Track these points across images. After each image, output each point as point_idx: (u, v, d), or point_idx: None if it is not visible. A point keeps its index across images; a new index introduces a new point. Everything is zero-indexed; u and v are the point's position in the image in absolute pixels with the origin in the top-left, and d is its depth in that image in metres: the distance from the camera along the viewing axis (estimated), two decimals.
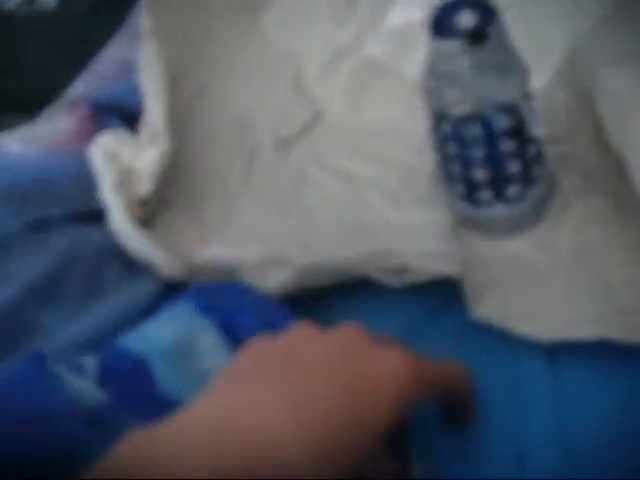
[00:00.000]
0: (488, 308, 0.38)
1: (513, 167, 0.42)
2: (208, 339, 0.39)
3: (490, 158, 0.41)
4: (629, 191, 0.40)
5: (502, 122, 0.40)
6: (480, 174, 0.42)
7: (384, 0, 0.57)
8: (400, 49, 0.55)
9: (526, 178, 0.42)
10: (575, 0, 0.51)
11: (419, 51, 0.52)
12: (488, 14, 0.39)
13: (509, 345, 0.38)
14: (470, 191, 0.43)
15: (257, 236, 0.46)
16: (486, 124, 0.40)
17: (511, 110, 0.40)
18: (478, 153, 0.41)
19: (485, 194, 0.42)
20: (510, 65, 0.40)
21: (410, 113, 0.51)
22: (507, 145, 0.41)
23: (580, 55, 0.46)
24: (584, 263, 0.40)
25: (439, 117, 0.41)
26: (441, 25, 0.39)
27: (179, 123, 0.52)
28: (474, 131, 0.40)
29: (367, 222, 0.46)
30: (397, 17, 0.56)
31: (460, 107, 0.39)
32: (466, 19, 0.38)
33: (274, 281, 0.42)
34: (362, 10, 0.58)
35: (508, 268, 0.41)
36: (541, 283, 0.40)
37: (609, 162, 0.42)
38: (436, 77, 0.40)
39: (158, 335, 0.38)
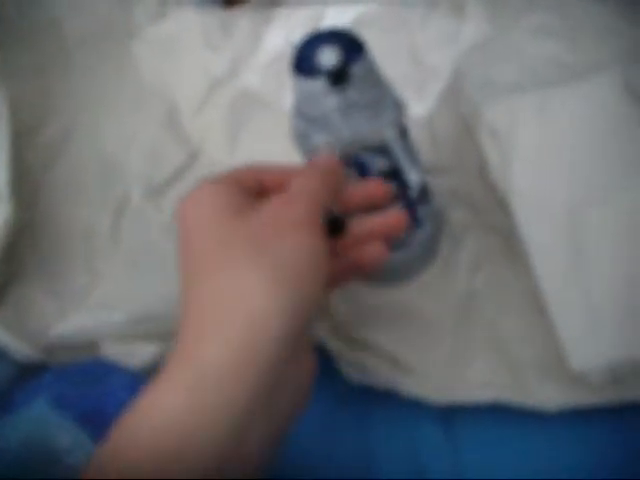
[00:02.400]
0: (371, 368, 0.35)
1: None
2: (65, 438, 0.34)
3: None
4: (514, 228, 0.38)
5: (377, 164, 0.37)
6: None
7: (261, 26, 0.53)
8: (277, 80, 0.52)
9: (410, 221, 0.39)
10: (457, 24, 0.49)
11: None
12: (353, 50, 0.35)
13: (401, 406, 0.35)
14: None
15: (125, 300, 0.42)
16: (361, 167, 0.37)
17: (385, 151, 0.37)
18: None
19: None
20: (381, 102, 0.37)
21: (288, 149, 0.48)
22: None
23: (460, 80, 0.44)
24: (474, 311, 0.37)
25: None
26: (303, 63, 0.36)
27: (37, 174, 0.47)
28: (348, 176, 0.37)
29: None
30: (273, 45, 0.53)
31: (330, 151, 0.36)
32: (328, 57, 0.35)
33: (142, 355, 0.37)
34: (238, 36, 0.54)
35: (394, 318, 0.38)
36: (430, 336, 0.37)
37: (496, 197, 0.40)
38: (303, 119, 0.37)
39: (4, 444, 0.34)
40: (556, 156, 0.34)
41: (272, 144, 0.51)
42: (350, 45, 0.35)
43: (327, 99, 0.35)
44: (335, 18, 0.52)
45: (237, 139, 0.52)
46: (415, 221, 0.40)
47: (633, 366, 0.30)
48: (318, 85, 0.34)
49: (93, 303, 0.42)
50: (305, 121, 0.37)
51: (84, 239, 0.45)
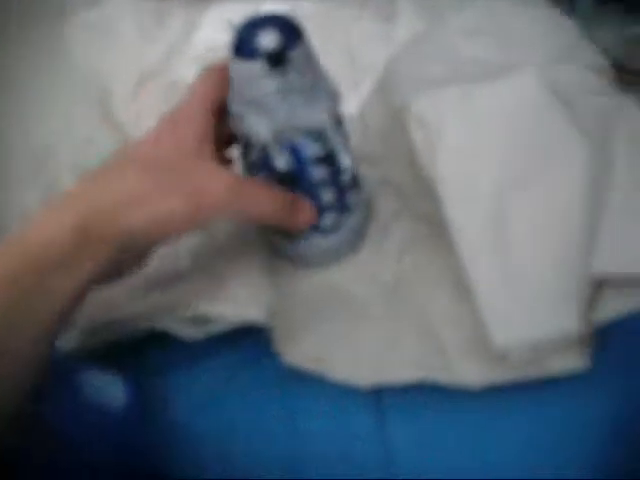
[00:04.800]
0: (302, 353, 0.35)
1: (326, 196, 0.39)
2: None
3: (301, 187, 0.39)
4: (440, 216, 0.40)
5: (311, 149, 0.38)
6: None
7: (195, 18, 0.53)
8: None
9: (341, 206, 0.40)
10: (389, 23, 0.50)
11: None
12: (292, 35, 0.36)
13: (333, 391, 0.36)
14: None
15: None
16: (295, 151, 0.38)
17: (320, 137, 0.38)
18: (288, 182, 0.38)
19: None
20: (318, 89, 0.38)
21: None
22: (318, 173, 0.38)
23: (390, 76, 0.45)
24: (402, 296, 0.38)
25: (246, 144, 0.38)
26: (243, 46, 0.36)
27: None
28: (282, 159, 0.38)
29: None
30: (206, 38, 0.53)
31: (265, 134, 0.37)
32: (268, 40, 0.35)
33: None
34: (172, 26, 0.54)
35: (325, 303, 0.39)
36: (359, 319, 0.38)
37: (424, 185, 0.42)
38: (240, 102, 0.37)
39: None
40: (479, 145, 0.36)
41: None
42: (289, 30, 0.36)
43: (265, 81, 0.35)
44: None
45: None
46: (345, 206, 0.41)
47: (551, 343, 0.32)
48: (256, 67, 0.35)
49: None
50: (242, 104, 0.37)
51: (13, 226, 0.44)
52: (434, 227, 0.41)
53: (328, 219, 0.40)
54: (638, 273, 0.30)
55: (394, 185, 0.44)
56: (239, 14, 0.51)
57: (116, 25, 0.53)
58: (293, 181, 0.38)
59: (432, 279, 0.39)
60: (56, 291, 0.30)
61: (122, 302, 0.37)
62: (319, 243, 0.41)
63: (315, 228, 0.40)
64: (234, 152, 0.41)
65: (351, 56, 0.51)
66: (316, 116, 0.37)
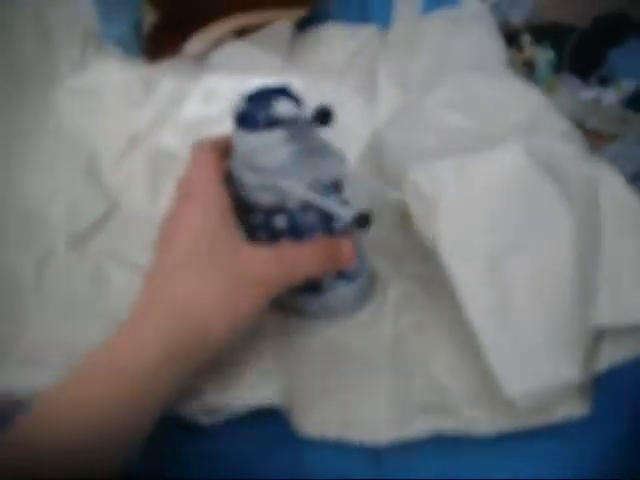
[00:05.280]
0: (321, 423, 0.37)
1: None
2: None
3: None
4: (435, 274, 0.41)
5: (309, 216, 0.39)
6: None
7: (183, 88, 0.55)
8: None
9: (359, 253, 0.42)
10: (371, 98, 0.53)
11: None
12: (299, 102, 0.38)
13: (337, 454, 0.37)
14: None
15: (53, 352, 0.40)
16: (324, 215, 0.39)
17: (334, 190, 0.39)
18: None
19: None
20: (327, 151, 0.39)
21: None
22: (317, 236, 0.40)
23: (380, 143, 0.48)
24: (405, 351, 0.40)
25: (248, 208, 0.39)
26: (255, 117, 0.37)
27: None
28: (311, 218, 0.39)
29: None
30: (193, 109, 0.55)
31: (270, 199, 0.38)
32: (284, 108, 0.37)
33: None
34: (160, 94, 0.55)
35: (334, 365, 0.40)
36: (368, 377, 0.39)
37: (417, 247, 0.44)
38: (253, 172, 0.38)
39: None
40: (475, 213, 0.38)
41: None
42: (294, 98, 0.38)
43: (282, 149, 0.37)
44: None
45: (158, 191, 0.52)
46: (361, 251, 0.42)
47: (554, 392, 0.34)
48: (275, 136, 0.36)
49: (18, 356, 0.40)
50: (256, 173, 0.38)
51: (6, 289, 0.44)
52: (427, 287, 0.43)
53: (326, 282, 0.41)
54: (635, 322, 0.33)
55: (385, 245, 0.46)
56: (229, 87, 0.54)
57: (103, 90, 0.54)
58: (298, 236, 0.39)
59: (431, 336, 0.41)
60: (146, 405, 0.32)
61: None
62: (344, 291, 0.42)
63: (341, 275, 0.41)
64: None
65: (336, 126, 0.54)
66: (330, 172, 0.39)
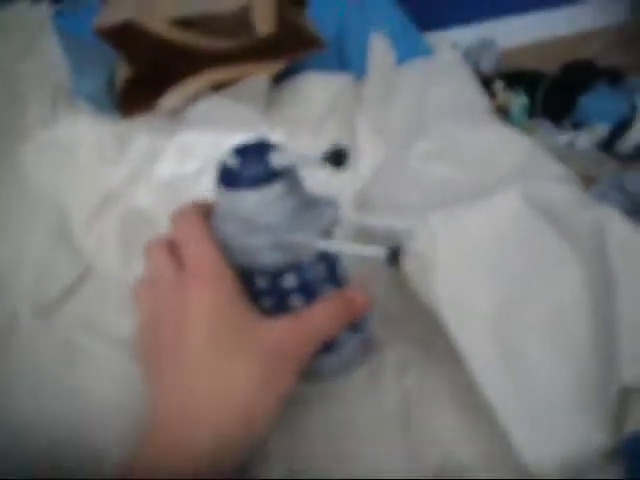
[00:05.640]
0: None
1: None
2: None
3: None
4: (435, 338, 0.39)
5: (319, 269, 0.37)
6: None
7: (157, 146, 0.53)
8: (169, 202, 0.50)
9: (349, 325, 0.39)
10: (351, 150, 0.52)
11: None
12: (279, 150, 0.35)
13: None
14: None
15: (19, 437, 0.37)
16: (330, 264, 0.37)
17: (325, 256, 0.37)
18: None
19: None
20: (319, 200, 0.37)
21: None
22: (325, 290, 0.37)
23: (366, 199, 0.46)
24: (410, 417, 0.37)
25: (249, 274, 0.36)
26: (251, 173, 0.34)
27: None
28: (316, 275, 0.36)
29: None
30: (168, 168, 0.52)
31: (278, 256, 0.35)
32: (275, 159, 0.34)
33: None
34: (134, 152, 0.53)
35: (335, 437, 0.37)
36: (376, 446, 0.36)
37: (414, 308, 0.42)
38: (252, 230, 0.35)
39: None
40: (474, 266, 0.36)
41: None
42: (280, 150, 0.35)
43: (280, 203, 0.34)
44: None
45: (130, 255, 0.50)
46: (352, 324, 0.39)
47: (580, 458, 0.31)
48: (274, 191, 0.34)
49: None
50: (261, 233, 0.35)
51: None
52: (427, 349, 0.41)
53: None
54: None
55: (382, 308, 0.44)
56: (206, 143, 0.52)
57: (75, 147, 0.52)
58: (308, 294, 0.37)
59: (437, 401, 0.38)
60: None
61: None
62: (355, 342, 0.39)
63: (352, 327, 0.38)
64: None
65: (317, 180, 0.52)
66: (331, 219, 0.36)
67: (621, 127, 0.95)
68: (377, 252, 0.34)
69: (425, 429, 0.36)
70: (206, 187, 0.51)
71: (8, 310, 0.44)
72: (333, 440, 0.37)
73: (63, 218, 0.50)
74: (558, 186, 0.40)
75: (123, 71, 0.56)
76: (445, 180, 0.45)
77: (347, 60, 0.61)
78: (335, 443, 0.36)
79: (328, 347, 0.38)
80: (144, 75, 0.56)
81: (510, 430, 0.32)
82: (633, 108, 0.96)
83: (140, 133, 0.53)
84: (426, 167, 0.46)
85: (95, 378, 0.41)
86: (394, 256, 0.34)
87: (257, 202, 0.34)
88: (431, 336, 0.40)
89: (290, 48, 0.56)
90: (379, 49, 0.60)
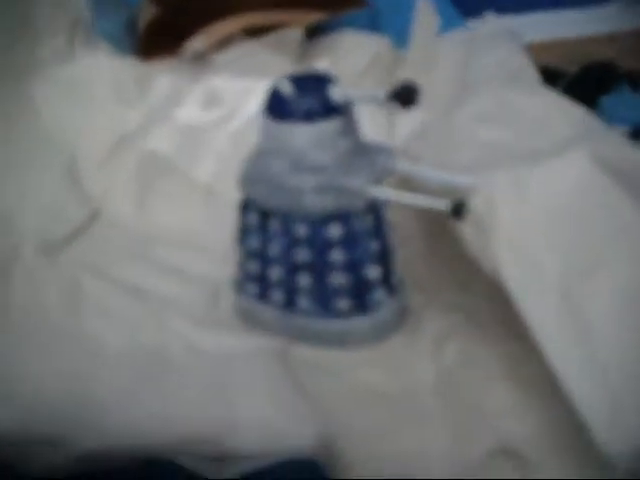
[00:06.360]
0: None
1: (374, 272, 0.35)
2: None
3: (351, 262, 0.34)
4: (478, 305, 0.37)
5: (366, 221, 0.34)
6: (339, 279, 0.34)
7: (181, 89, 0.49)
8: (190, 149, 0.47)
9: (388, 286, 0.36)
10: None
11: (210, 154, 0.47)
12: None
13: None
14: (324, 301, 0.35)
15: (17, 384, 0.33)
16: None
17: (373, 208, 0.34)
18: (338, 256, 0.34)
19: (343, 303, 0.35)
20: (374, 143, 0.35)
21: (207, 220, 0.44)
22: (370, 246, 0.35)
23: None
24: (449, 391, 0.33)
25: (289, 219, 0.34)
26: (308, 106, 0.32)
27: None
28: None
29: (167, 355, 0.35)
30: (192, 113, 0.49)
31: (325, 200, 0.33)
32: (336, 93, 0.32)
33: (40, 465, 0.29)
34: (155, 94, 0.50)
35: (364, 405, 0.33)
36: (404, 422, 0.32)
37: (446, 274, 0.39)
38: (293, 170, 0.33)
39: None
40: (540, 235, 0.32)
41: (184, 212, 0.46)
42: (328, 79, 0.33)
43: (339, 141, 0.32)
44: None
45: (144, 203, 0.46)
46: (391, 287, 0.36)
47: None
48: (330, 127, 0.32)
49: None
50: (300, 172, 0.32)
51: None
52: (468, 317, 0.37)
53: (376, 297, 0.36)
54: None
55: (413, 277, 0.40)
56: (234, 90, 0.49)
57: (91, 85, 0.48)
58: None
59: (480, 370, 0.34)
60: None
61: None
62: (391, 304, 0.36)
63: (361, 307, 0.36)
64: None
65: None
66: (387, 166, 0.34)
67: None
68: (441, 204, 0.32)
69: (469, 406, 0.32)
70: (230, 136, 0.47)
71: (11, 245, 0.41)
72: (365, 410, 0.32)
73: (73, 159, 0.47)
74: (629, 148, 0.36)
75: (147, 11, 0.52)
76: (496, 142, 0.41)
77: (380, 22, 0.58)
78: (367, 414, 0.32)
79: (361, 309, 0.35)
80: (169, 17, 0.52)
81: (583, 411, 0.28)
82: None
83: (162, 74, 0.49)
84: (476, 128, 0.43)
85: (98, 322, 0.37)
86: (459, 210, 0.31)
87: (310, 138, 0.32)
88: (473, 304, 0.37)
89: (330, 2, 0.53)
90: (424, 15, 0.57)
